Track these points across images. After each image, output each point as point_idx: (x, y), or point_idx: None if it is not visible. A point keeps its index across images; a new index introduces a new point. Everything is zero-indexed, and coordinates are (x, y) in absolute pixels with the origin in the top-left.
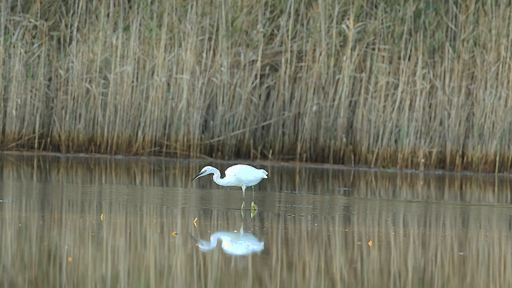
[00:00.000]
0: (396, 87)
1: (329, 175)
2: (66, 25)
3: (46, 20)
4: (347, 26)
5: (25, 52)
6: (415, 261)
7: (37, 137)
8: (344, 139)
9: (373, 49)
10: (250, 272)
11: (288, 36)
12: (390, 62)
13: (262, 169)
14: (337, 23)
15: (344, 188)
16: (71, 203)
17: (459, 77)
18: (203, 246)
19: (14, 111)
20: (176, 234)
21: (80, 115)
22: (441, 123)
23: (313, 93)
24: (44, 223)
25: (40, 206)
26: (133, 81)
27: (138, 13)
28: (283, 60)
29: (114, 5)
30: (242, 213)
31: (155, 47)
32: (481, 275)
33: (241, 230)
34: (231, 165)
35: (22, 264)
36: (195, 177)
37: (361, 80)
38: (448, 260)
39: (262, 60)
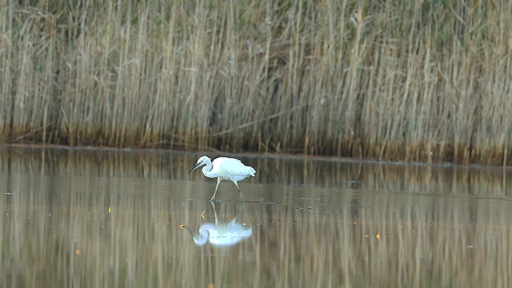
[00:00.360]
0: (404, 80)
1: (337, 168)
2: (74, 18)
3: (54, 12)
4: (355, 19)
5: (33, 45)
6: (423, 254)
7: (45, 130)
8: (352, 132)
9: (381, 42)
10: (258, 265)
11: (296, 29)
12: (398, 55)
13: (250, 167)
14: (345, 16)
15: (352, 181)
16: (79, 196)
17: (467, 70)
18: (197, 239)
19: (22, 104)
20: (184, 227)
21: (88, 108)
22: (449, 116)
23: (321, 86)
24: (52, 216)
25: (48, 199)
26: (141, 74)
27: (146, 5)
28: (291, 53)
29: None
30: (241, 206)
31: (163, 40)
32: (489, 268)
33: (234, 221)
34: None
35: (30, 257)
36: (192, 169)
37: (369, 73)
38: (456, 253)
39: (270, 53)
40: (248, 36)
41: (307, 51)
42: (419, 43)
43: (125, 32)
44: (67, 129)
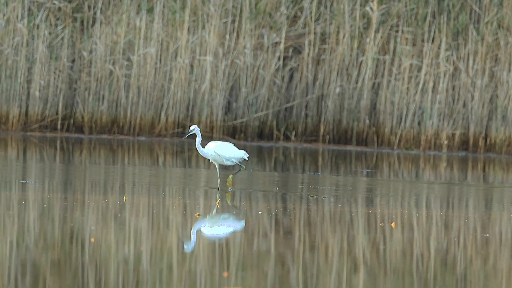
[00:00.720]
0: (419, 69)
1: (352, 157)
2: (89, 7)
3: (69, 1)
4: (371, 8)
5: (49, 33)
6: (438, 242)
7: (60, 118)
8: (367, 121)
9: (397, 32)
10: (273, 254)
11: (311, 18)
12: (414, 45)
13: (243, 150)
14: (361, 5)
15: (367, 170)
16: (94, 185)
17: (482, 59)
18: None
19: (37, 93)
20: (198, 215)
21: (103, 96)
22: (464, 105)
23: (337, 75)
24: (67, 204)
25: (63, 187)
26: (156, 63)
27: None
28: (306, 42)
29: None
30: (218, 194)
31: (179, 29)
32: (504, 256)
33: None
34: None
35: (45, 245)
36: (185, 135)
37: (384, 62)
38: (471, 241)
39: (286, 42)
40: (264, 25)
41: (323, 40)
42: (434, 32)
43: (140, 21)
44: (82, 117)
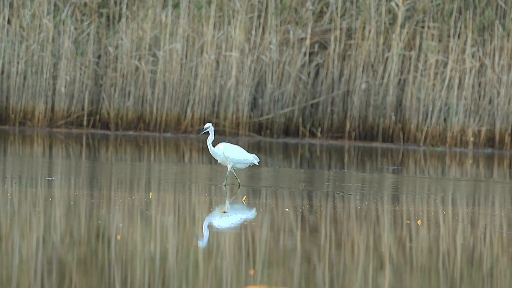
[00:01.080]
0: (445, 65)
1: (378, 153)
2: (115, 2)
3: None
4: (397, 4)
5: (75, 29)
6: (464, 240)
7: (86, 114)
8: (393, 117)
9: (423, 27)
10: (299, 251)
11: (337, 13)
12: (440, 40)
13: (253, 154)
14: (386, 1)
15: (393, 167)
16: (120, 181)
17: (508, 55)
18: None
19: (63, 89)
20: (225, 212)
21: (129, 92)
22: (490, 102)
23: (362, 71)
24: (93, 201)
25: (89, 184)
26: (182, 59)
27: None
28: (332, 38)
29: None
30: (224, 188)
31: (205, 24)
32: None
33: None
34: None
35: (72, 242)
36: (201, 133)
37: (410, 58)
38: (497, 239)
39: (311, 38)
40: (289, 21)
41: (348, 36)
42: (460, 28)
43: (166, 16)
44: (108, 114)
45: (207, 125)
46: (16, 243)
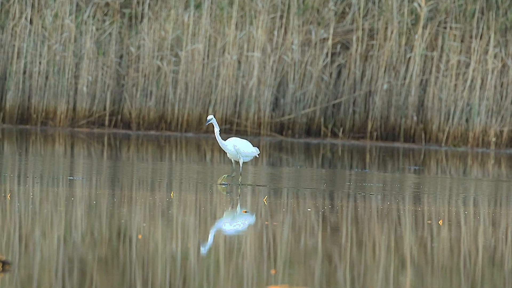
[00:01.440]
0: (467, 65)
1: (399, 153)
2: (137, 3)
3: None
4: (419, 5)
5: (97, 29)
6: (486, 240)
7: (107, 114)
8: (415, 118)
9: (445, 28)
10: (320, 251)
11: (359, 14)
12: (462, 41)
13: (255, 147)
14: (409, 1)
15: (415, 167)
16: (141, 181)
17: None
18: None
19: (85, 88)
20: (246, 212)
21: (151, 92)
22: None
23: (384, 72)
24: (114, 200)
25: (110, 183)
26: (204, 59)
27: None
28: (354, 38)
29: None
30: (239, 189)
31: (226, 25)
32: None
33: (238, 208)
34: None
35: (93, 241)
36: (206, 123)
37: (432, 59)
38: None
39: (333, 38)
40: (312, 21)
41: (371, 36)
42: (483, 29)
43: (188, 17)
44: (130, 113)
45: (209, 117)
46: (38, 243)
